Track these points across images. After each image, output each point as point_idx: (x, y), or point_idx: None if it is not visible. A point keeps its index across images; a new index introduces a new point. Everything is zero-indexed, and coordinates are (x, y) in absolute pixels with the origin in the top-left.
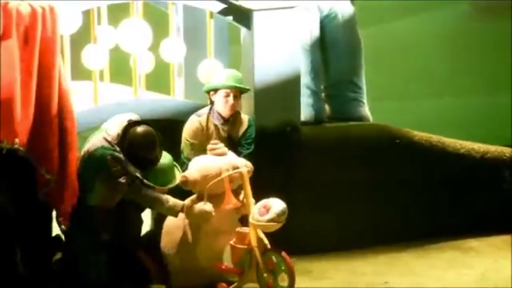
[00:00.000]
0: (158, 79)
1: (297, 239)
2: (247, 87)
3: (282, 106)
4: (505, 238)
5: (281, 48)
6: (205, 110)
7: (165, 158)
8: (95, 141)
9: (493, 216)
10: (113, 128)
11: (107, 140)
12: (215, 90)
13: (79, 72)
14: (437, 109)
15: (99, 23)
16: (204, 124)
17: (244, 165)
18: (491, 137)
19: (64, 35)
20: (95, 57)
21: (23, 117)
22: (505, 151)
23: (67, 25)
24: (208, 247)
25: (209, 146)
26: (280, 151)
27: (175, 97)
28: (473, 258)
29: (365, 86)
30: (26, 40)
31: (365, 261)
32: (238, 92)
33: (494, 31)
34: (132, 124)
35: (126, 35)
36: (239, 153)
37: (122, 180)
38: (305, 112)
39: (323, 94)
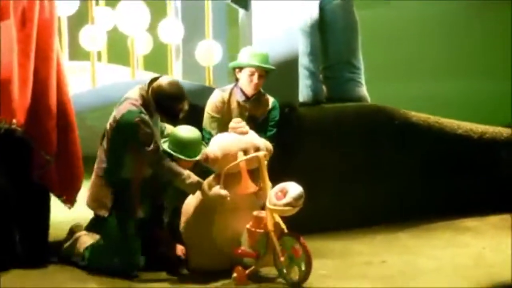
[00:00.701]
0: (156, 60)
1: (294, 219)
2: (273, 67)
3: (280, 87)
4: (502, 218)
5: (279, 29)
6: (230, 86)
7: (194, 132)
8: (120, 109)
9: (490, 196)
10: (134, 92)
11: (133, 104)
12: (240, 68)
13: (77, 53)
14: (436, 91)
15: (96, 4)
16: (226, 99)
17: (264, 146)
18: (488, 120)
19: (62, 16)
20: (92, 38)
21: (20, 97)
22: (503, 131)
23: (65, 6)
24: (224, 228)
25: (231, 124)
26: (278, 132)
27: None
28: (471, 238)
29: (363, 67)
30: (24, 21)
31: (362, 241)
32: (263, 71)
33: (493, 15)
34: (155, 78)
35: (124, 16)
36: (260, 135)
37: (150, 148)
38: (303, 93)
39: (321, 75)
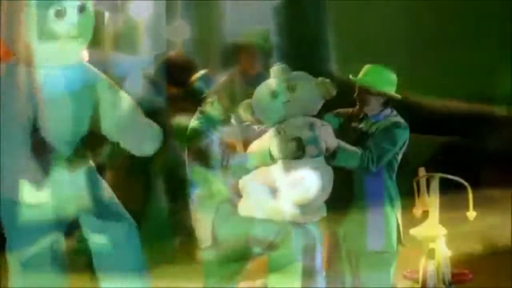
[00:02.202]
0: (125, 41)
1: None
2: (272, 46)
3: None
4: (476, 194)
5: (251, 8)
6: (232, 70)
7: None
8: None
9: (467, 174)
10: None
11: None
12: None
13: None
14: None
15: None
16: (229, 83)
17: None
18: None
19: None
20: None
21: None
22: (480, 108)
23: None
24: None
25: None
26: None
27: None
28: (446, 214)
29: (332, 43)
30: None
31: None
32: (263, 49)
33: None
34: (157, 56)
35: None
36: None
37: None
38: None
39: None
